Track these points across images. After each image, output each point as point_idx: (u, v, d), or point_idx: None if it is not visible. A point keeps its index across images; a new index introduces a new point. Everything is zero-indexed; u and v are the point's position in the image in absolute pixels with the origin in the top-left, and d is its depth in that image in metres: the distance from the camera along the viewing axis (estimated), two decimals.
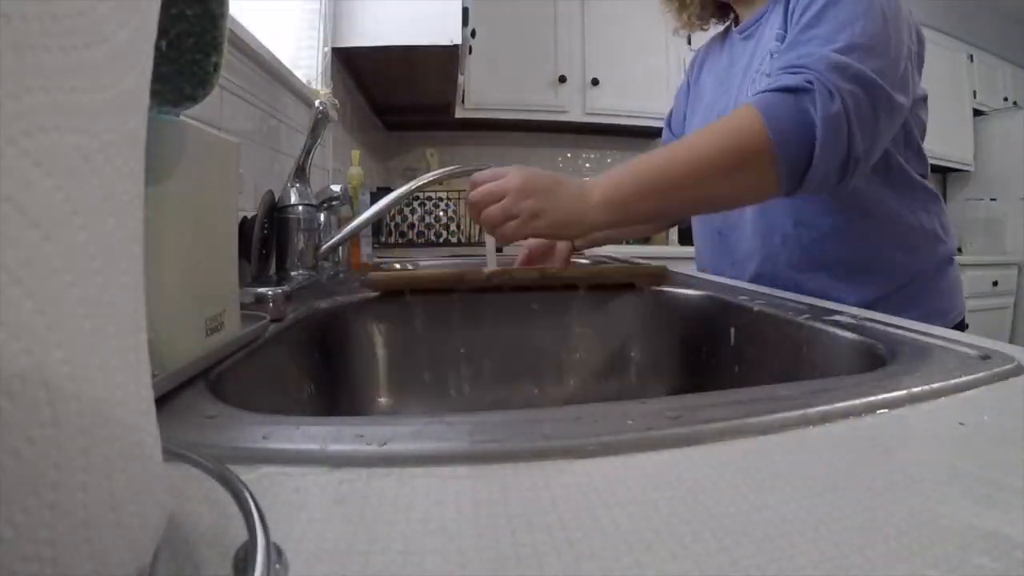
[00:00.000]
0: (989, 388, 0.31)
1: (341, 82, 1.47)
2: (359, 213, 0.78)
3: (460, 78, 1.85)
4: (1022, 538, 0.17)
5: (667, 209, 0.65)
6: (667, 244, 2.37)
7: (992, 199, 3.10)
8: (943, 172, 3.34)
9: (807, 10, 0.64)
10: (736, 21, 0.87)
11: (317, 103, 0.78)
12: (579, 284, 0.70)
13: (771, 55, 0.73)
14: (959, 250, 3.03)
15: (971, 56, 3.19)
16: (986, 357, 0.35)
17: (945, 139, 3.00)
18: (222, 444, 0.23)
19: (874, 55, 0.58)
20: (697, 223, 0.94)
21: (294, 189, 0.77)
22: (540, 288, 0.68)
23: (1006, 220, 3.05)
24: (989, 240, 3.04)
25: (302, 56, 1.28)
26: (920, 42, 0.68)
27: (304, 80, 1.16)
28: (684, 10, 0.90)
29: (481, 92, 2.36)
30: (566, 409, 0.27)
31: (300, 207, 0.76)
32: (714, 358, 0.64)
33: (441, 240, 1.84)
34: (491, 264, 0.75)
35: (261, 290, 0.51)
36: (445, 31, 1.37)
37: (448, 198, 1.87)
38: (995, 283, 2.84)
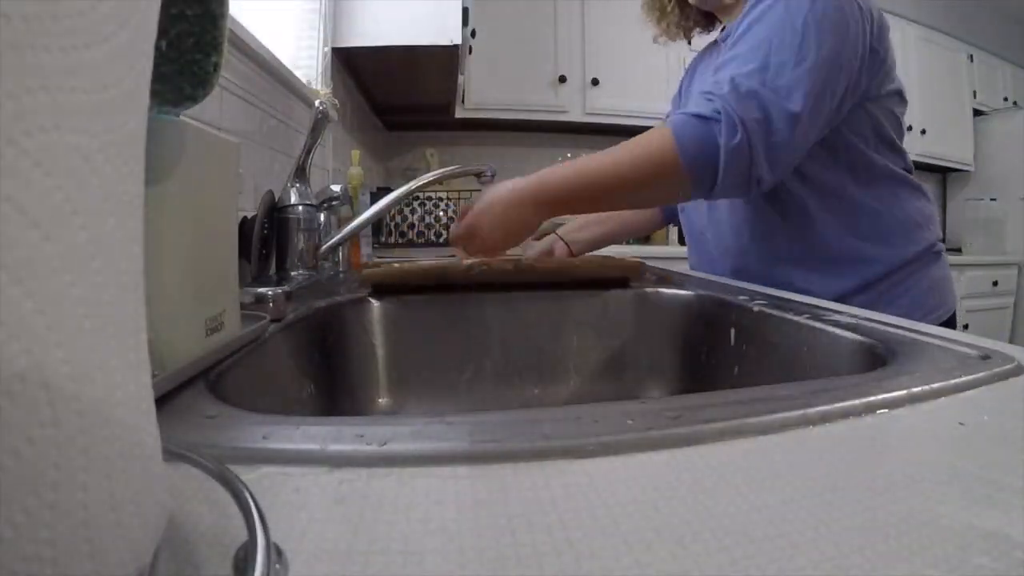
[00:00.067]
0: (989, 388, 0.31)
1: (341, 82, 1.47)
2: (359, 213, 0.78)
3: (460, 78, 1.85)
4: (1022, 538, 0.17)
5: (596, 208, 0.75)
6: (667, 244, 2.37)
7: (992, 199, 3.10)
8: (943, 172, 3.35)
9: (738, 29, 0.69)
10: (723, 29, 0.89)
11: (317, 103, 0.78)
12: (554, 277, 0.73)
13: None
14: (959, 250, 3.03)
15: (971, 56, 3.19)
16: (986, 357, 0.35)
17: (945, 139, 3.00)
18: (222, 444, 0.23)
19: (782, 71, 0.62)
20: (683, 224, 0.96)
21: (294, 189, 0.77)
22: (523, 286, 0.71)
23: (1006, 220, 3.05)
24: (989, 240, 3.04)
25: (302, 56, 1.28)
26: (880, 33, 0.70)
27: (304, 80, 1.16)
28: (664, 19, 0.92)
29: (481, 92, 2.36)
30: (566, 409, 0.27)
31: (300, 207, 0.76)
32: (714, 358, 0.64)
33: (441, 240, 1.83)
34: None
35: (261, 290, 0.51)
36: (445, 31, 1.37)
37: (448, 198, 1.87)
38: (995, 283, 2.84)
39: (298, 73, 1.13)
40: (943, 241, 0.80)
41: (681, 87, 0.99)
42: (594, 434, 0.24)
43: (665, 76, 2.48)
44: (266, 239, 0.73)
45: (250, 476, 0.21)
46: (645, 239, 2.50)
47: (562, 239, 0.98)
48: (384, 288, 0.67)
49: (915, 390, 0.30)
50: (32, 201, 0.10)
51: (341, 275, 0.87)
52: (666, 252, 2.13)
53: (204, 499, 0.19)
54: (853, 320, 0.49)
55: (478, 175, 0.80)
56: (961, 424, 0.26)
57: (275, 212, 0.75)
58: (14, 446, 0.10)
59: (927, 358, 0.36)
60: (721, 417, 0.26)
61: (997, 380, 0.32)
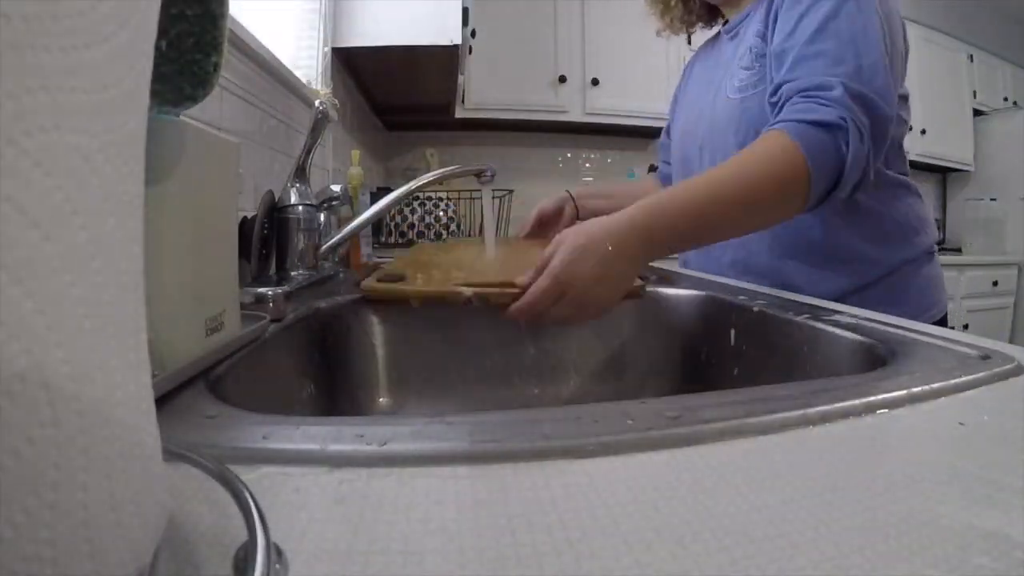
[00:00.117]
0: (989, 388, 0.31)
1: (341, 82, 1.47)
2: (359, 213, 0.78)
3: (460, 78, 1.85)
4: (1022, 538, 0.17)
5: (712, 240, 0.64)
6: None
7: (992, 199, 3.10)
8: (943, 172, 3.34)
9: (804, 17, 0.65)
10: (725, 22, 0.88)
11: (317, 103, 0.78)
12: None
13: (750, 50, 0.74)
14: (959, 250, 3.03)
15: (971, 56, 3.18)
16: (986, 357, 0.35)
17: (945, 139, 3.00)
18: (222, 444, 0.23)
19: (877, 74, 0.61)
20: None
21: (294, 189, 0.77)
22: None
23: (1006, 220, 3.05)
24: (989, 240, 3.04)
25: (302, 56, 1.28)
26: (904, 34, 0.70)
27: (304, 80, 1.16)
28: (668, 12, 0.92)
29: (481, 92, 2.36)
30: (566, 409, 0.27)
31: (300, 207, 0.76)
32: (714, 358, 0.64)
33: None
34: (490, 251, 0.75)
35: (261, 290, 0.51)
36: (445, 31, 1.37)
37: (448, 198, 1.86)
38: (995, 283, 2.84)
39: (298, 73, 1.13)
40: (942, 242, 0.80)
41: (680, 85, 0.99)
42: (594, 434, 0.24)
43: (665, 76, 2.48)
44: (266, 239, 0.73)
45: (250, 476, 0.21)
46: None
47: (573, 200, 0.96)
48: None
49: (915, 390, 0.30)
50: (32, 201, 0.10)
51: (341, 275, 0.87)
52: None
53: (204, 499, 0.19)
54: (853, 320, 0.49)
55: (478, 175, 0.80)
56: (961, 424, 0.26)
57: (275, 212, 0.75)
58: (14, 446, 0.10)
59: (927, 358, 0.36)
60: (721, 417, 0.26)
61: (997, 380, 0.32)
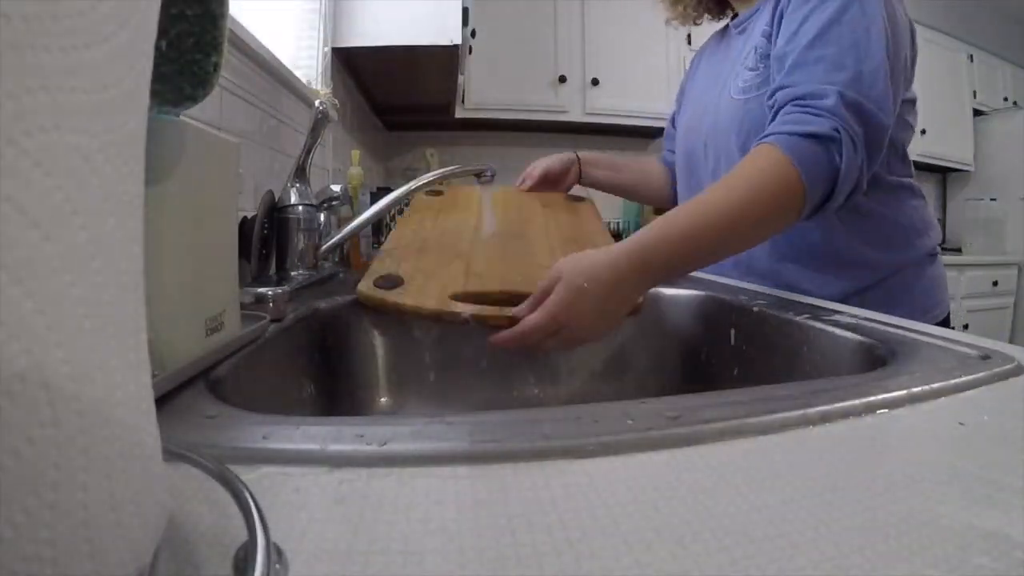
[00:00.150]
0: (989, 388, 0.31)
1: (341, 82, 1.47)
2: (359, 213, 0.78)
3: (460, 78, 1.85)
4: (1022, 538, 0.17)
5: (711, 261, 0.61)
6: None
7: (992, 199, 3.10)
8: (943, 172, 3.34)
9: (807, 20, 0.64)
10: (734, 16, 0.88)
11: (317, 103, 0.78)
12: None
13: (755, 50, 0.74)
14: (959, 250, 3.03)
15: (971, 56, 3.18)
16: (986, 357, 0.35)
17: (945, 139, 3.00)
18: (222, 444, 0.23)
19: (877, 81, 0.60)
20: None
21: (294, 189, 0.77)
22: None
23: (1006, 220, 3.05)
24: (989, 240, 3.04)
25: (302, 56, 1.28)
26: (914, 36, 0.70)
27: (304, 80, 1.16)
28: (679, 2, 0.91)
29: (481, 92, 2.36)
30: (566, 409, 0.27)
31: (300, 207, 0.76)
32: (714, 358, 0.64)
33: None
34: (482, 222, 0.74)
35: (261, 290, 0.51)
36: (445, 31, 1.37)
37: None
38: (995, 283, 2.84)
39: (298, 73, 1.13)
40: (942, 242, 0.80)
41: (687, 77, 0.98)
42: (594, 434, 0.24)
43: (665, 76, 2.48)
44: (266, 239, 0.73)
45: (250, 476, 0.21)
46: None
47: (579, 164, 0.94)
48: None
49: (915, 390, 0.30)
50: (32, 201, 0.10)
51: (341, 275, 0.87)
52: None
53: (204, 499, 0.19)
54: (853, 320, 0.49)
55: (478, 175, 0.80)
56: (961, 424, 0.26)
57: (275, 212, 0.75)
58: (14, 446, 0.10)
59: (927, 358, 0.36)
60: (721, 417, 0.26)
61: (997, 380, 0.32)
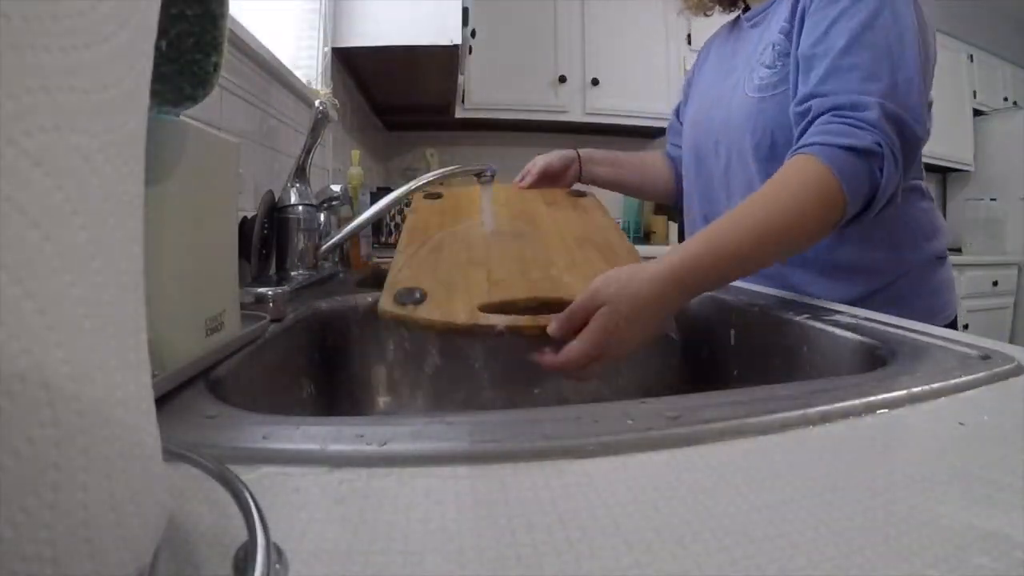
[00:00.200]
0: (989, 388, 0.31)
1: (341, 82, 1.47)
2: (359, 213, 0.78)
3: (460, 78, 1.85)
4: (1022, 538, 0.17)
5: (748, 272, 0.60)
6: (667, 244, 2.37)
7: (992, 199, 3.10)
8: (943, 172, 3.35)
9: (836, 23, 0.63)
10: (746, 9, 0.87)
11: (317, 103, 0.78)
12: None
13: (772, 47, 0.73)
14: (959, 250, 3.03)
15: (971, 56, 3.19)
16: (986, 357, 0.35)
17: (945, 139, 3.00)
18: (222, 444, 0.23)
19: (912, 91, 0.59)
20: (686, 210, 0.93)
21: (294, 189, 0.77)
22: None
23: (1006, 220, 3.05)
24: (989, 240, 3.04)
25: (302, 56, 1.28)
26: (934, 37, 0.69)
27: (304, 80, 1.16)
28: None
29: (481, 92, 2.36)
30: (566, 409, 0.27)
31: (300, 207, 0.76)
32: (714, 358, 0.64)
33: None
34: (488, 224, 0.74)
35: (261, 290, 0.51)
36: (445, 31, 1.37)
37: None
38: (995, 283, 2.84)
39: (298, 73, 1.13)
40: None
41: (694, 70, 0.97)
42: (594, 434, 0.24)
43: (665, 76, 2.48)
44: (266, 239, 0.73)
45: (250, 476, 0.21)
46: (645, 237, 2.51)
47: (579, 161, 0.93)
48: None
49: (915, 390, 0.30)
50: (32, 201, 0.10)
51: (341, 275, 0.87)
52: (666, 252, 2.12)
53: (204, 499, 0.19)
54: (853, 320, 0.49)
55: (478, 175, 0.80)
56: (961, 424, 0.26)
57: (275, 212, 0.75)
58: (14, 446, 0.10)
59: (927, 358, 0.36)
60: (721, 417, 0.26)
61: (997, 380, 0.32)
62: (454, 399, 0.66)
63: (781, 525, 0.18)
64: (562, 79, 2.42)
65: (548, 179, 0.89)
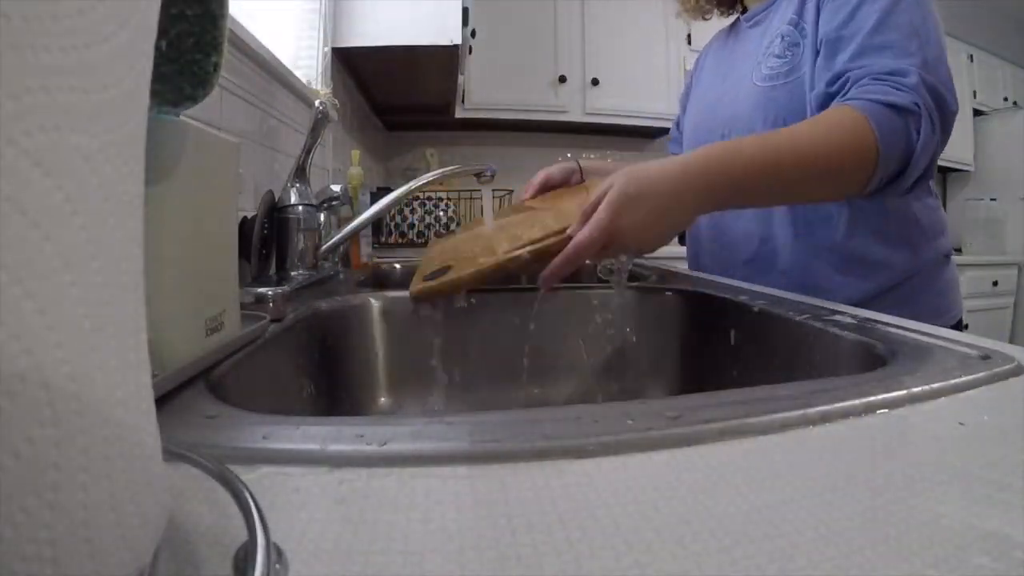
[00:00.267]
0: (989, 388, 0.31)
1: (341, 82, 1.47)
2: (359, 213, 0.79)
3: (460, 78, 1.85)
4: (1022, 538, 0.17)
5: (770, 201, 0.60)
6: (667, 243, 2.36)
7: (992, 199, 3.10)
8: (943, 172, 3.34)
9: (860, 7, 0.63)
10: (744, 11, 0.88)
11: (317, 103, 0.79)
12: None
13: (782, 38, 0.73)
14: (959, 250, 3.03)
15: (971, 56, 3.18)
16: (986, 357, 0.35)
17: None
18: (222, 444, 0.23)
19: (941, 67, 0.60)
20: None
21: (294, 189, 0.77)
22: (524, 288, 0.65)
23: (1006, 220, 3.05)
24: (989, 240, 3.04)
25: (302, 56, 1.28)
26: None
27: (304, 80, 1.16)
28: None
29: (481, 92, 2.36)
30: (566, 409, 0.27)
31: (300, 207, 0.76)
32: (714, 358, 0.64)
33: (450, 231, 1.83)
34: (488, 223, 0.75)
35: (261, 290, 0.51)
36: (445, 31, 1.37)
37: (448, 198, 1.87)
38: (995, 283, 2.84)
39: (298, 73, 1.13)
40: None
41: (692, 77, 0.98)
42: (594, 434, 0.24)
43: (665, 76, 2.48)
44: (266, 239, 0.73)
45: (250, 476, 0.21)
46: None
47: (580, 172, 0.93)
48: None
49: (915, 390, 0.30)
50: (32, 201, 0.10)
51: (341, 275, 0.87)
52: (667, 252, 2.12)
53: (204, 499, 0.19)
54: (853, 320, 0.49)
55: (478, 175, 0.80)
56: (961, 424, 0.26)
57: (275, 212, 0.75)
58: (14, 446, 0.10)
59: (927, 358, 0.36)
60: (721, 417, 0.26)
61: (997, 380, 0.32)
62: (454, 399, 0.66)
63: (781, 525, 0.18)
64: (562, 79, 2.42)
65: (549, 191, 0.90)
